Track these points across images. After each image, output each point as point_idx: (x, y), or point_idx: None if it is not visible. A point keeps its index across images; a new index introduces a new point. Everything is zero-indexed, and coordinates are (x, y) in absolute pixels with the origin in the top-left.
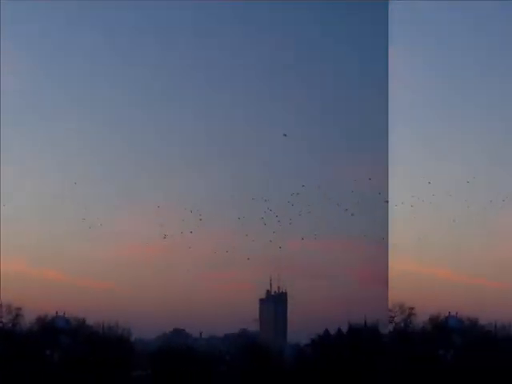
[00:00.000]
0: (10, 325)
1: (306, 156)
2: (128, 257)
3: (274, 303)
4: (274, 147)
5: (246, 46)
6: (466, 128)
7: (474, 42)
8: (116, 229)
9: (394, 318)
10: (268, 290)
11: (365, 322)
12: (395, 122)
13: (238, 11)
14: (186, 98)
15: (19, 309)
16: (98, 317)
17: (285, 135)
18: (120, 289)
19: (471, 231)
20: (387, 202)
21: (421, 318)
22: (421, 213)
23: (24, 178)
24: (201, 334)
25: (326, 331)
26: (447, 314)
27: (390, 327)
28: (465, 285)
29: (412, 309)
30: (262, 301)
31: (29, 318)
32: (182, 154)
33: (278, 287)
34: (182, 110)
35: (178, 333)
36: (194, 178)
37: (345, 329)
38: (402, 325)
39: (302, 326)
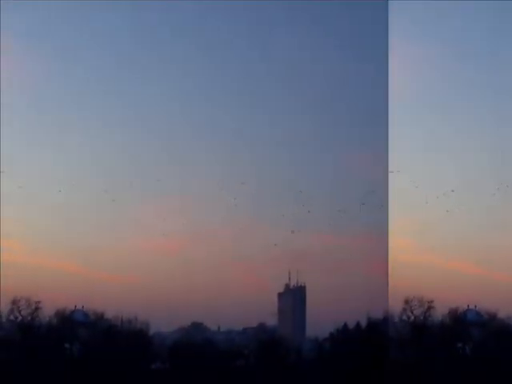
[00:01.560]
0: (29, 318)
1: (314, 151)
2: (146, 250)
3: (293, 297)
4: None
5: (249, 44)
6: (466, 127)
7: (474, 41)
8: (135, 221)
9: (412, 311)
10: (287, 284)
11: (383, 317)
12: (395, 122)
13: (239, 11)
14: (205, 91)
15: (38, 302)
16: (117, 310)
17: None
18: (138, 282)
19: (490, 224)
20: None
21: (440, 312)
22: (433, 204)
23: (42, 168)
24: (219, 327)
25: (345, 325)
26: (466, 308)
27: (410, 319)
28: (484, 278)
29: (431, 302)
30: (280, 294)
31: (48, 312)
32: (205, 145)
33: (297, 281)
34: (206, 104)
35: (197, 326)
36: (213, 171)
37: (364, 323)
38: (421, 318)
39: (320, 319)
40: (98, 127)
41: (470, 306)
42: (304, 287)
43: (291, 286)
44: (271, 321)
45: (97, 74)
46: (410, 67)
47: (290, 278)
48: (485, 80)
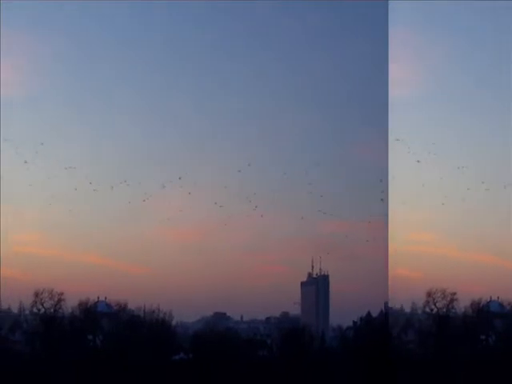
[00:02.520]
0: (52, 310)
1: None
2: (168, 240)
3: (316, 286)
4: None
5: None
6: (466, 126)
7: (474, 41)
8: (157, 212)
9: (435, 303)
10: (309, 273)
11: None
12: (395, 122)
13: (240, 10)
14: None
15: (61, 294)
16: (139, 301)
17: None
18: (160, 272)
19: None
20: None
21: (462, 303)
22: (450, 194)
23: (65, 160)
24: (242, 317)
25: (368, 314)
26: (489, 299)
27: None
28: (506, 269)
29: (454, 294)
30: (303, 283)
31: (70, 303)
32: (221, 135)
33: (320, 269)
34: (220, 97)
35: (219, 316)
36: (232, 162)
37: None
38: (445, 310)
39: (344, 308)
40: (116, 118)
41: (493, 298)
42: (327, 276)
43: (314, 275)
44: (294, 310)
45: (118, 72)
46: (410, 67)
47: (312, 267)
48: (485, 79)
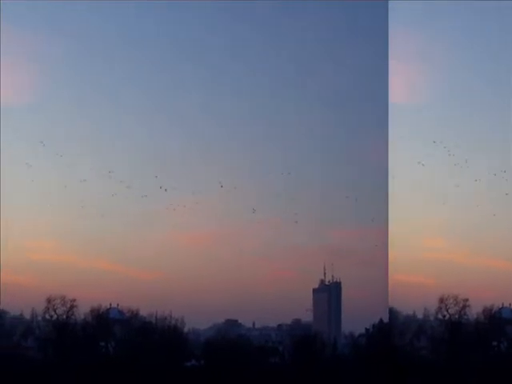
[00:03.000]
0: (65, 316)
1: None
2: (180, 247)
3: (328, 293)
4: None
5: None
6: (468, 124)
7: (473, 40)
8: (168, 219)
9: (448, 309)
10: (322, 280)
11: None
12: (396, 121)
13: (241, 10)
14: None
15: (74, 300)
16: (151, 307)
17: None
18: (172, 279)
19: None
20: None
21: (475, 310)
22: (460, 198)
23: (76, 168)
24: (254, 324)
25: (381, 320)
26: (501, 305)
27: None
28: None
29: (466, 300)
30: (315, 290)
31: (83, 309)
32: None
33: (332, 276)
34: (227, 105)
35: (231, 323)
36: (245, 169)
37: (400, 317)
38: (457, 316)
39: (356, 315)
40: (125, 123)
41: (505, 304)
42: (339, 283)
43: (326, 282)
44: (306, 317)
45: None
46: (410, 67)
47: (325, 274)
48: (486, 79)
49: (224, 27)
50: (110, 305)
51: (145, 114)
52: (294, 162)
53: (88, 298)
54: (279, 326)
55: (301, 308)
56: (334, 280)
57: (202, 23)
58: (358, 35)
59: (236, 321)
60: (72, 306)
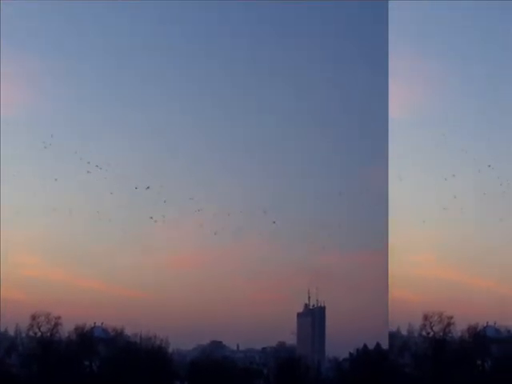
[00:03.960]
0: (49, 334)
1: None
2: (166, 266)
3: (312, 317)
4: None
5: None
6: (468, 124)
7: (474, 41)
8: (153, 238)
9: (432, 327)
10: (306, 304)
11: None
12: (395, 122)
13: (240, 10)
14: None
15: (58, 317)
16: (136, 327)
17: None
18: (157, 299)
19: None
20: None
21: (459, 327)
22: (450, 219)
23: (63, 186)
24: (238, 346)
25: (365, 346)
26: (485, 324)
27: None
28: (503, 294)
29: (451, 318)
30: (299, 314)
31: (67, 327)
32: (220, 163)
33: (317, 300)
34: (220, 120)
35: (216, 344)
36: (229, 189)
37: (384, 343)
38: (441, 334)
39: (340, 339)
40: (119, 141)
41: (490, 323)
42: (323, 307)
43: (310, 306)
44: (291, 340)
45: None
46: (410, 67)
47: (309, 298)
48: (485, 78)
49: (221, 29)
50: (95, 323)
51: (136, 134)
52: (287, 191)
53: (73, 316)
54: (264, 348)
55: (285, 331)
56: (319, 304)
57: (197, 25)
58: (358, 35)
59: (220, 342)
60: (56, 324)
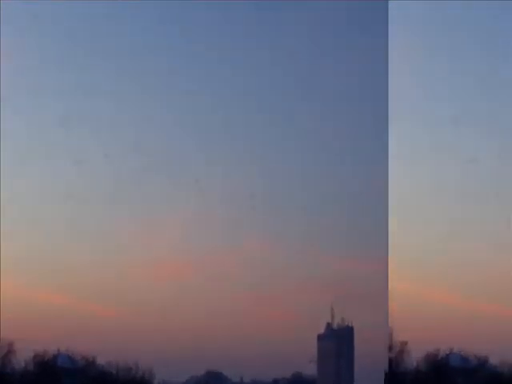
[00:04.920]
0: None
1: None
2: (149, 278)
3: (337, 339)
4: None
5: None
6: (469, 124)
7: (475, 40)
8: (135, 246)
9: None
10: (328, 323)
11: None
12: (395, 123)
13: (239, 10)
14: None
15: (11, 344)
16: (111, 354)
17: None
18: (140, 319)
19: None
20: None
21: (415, 355)
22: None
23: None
24: (242, 378)
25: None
26: (449, 351)
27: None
28: (472, 312)
29: (405, 344)
30: (320, 337)
31: (23, 356)
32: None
33: (343, 318)
34: (203, 127)
35: (213, 376)
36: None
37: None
38: (393, 364)
39: (372, 366)
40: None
41: (454, 350)
42: (352, 328)
43: (334, 326)
44: (309, 369)
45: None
46: (410, 68)
47: (332, 316)
48: (487, 77)
49: (218, 26)
50: (59, 350)
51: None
52: (292, 196)
53: (30, 341)
54: (275, 380)
55: (302, 358)
56: (345, 323)
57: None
58: (358, 36)
59: (220, 373)
60: (9, 351)
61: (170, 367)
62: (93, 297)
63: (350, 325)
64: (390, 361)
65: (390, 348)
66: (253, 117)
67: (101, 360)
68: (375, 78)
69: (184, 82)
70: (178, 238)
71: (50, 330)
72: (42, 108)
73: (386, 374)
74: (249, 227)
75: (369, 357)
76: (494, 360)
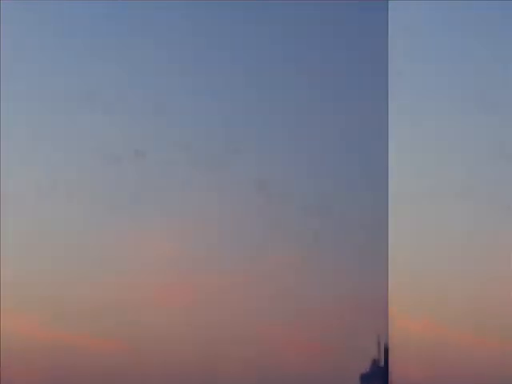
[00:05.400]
0: None
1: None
2: (154, 303)
3: (386, 380)
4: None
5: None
6: (470, 124)
7: (475, 41)
8: (137, 259)
9: None
10: (374, 360)
11: None
12: (395, 123)
13: (239, 10)
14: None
15: None
16: None
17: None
18: (141, 354)
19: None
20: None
21: None
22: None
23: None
24: None
25: None
26: None
27: None
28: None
29: None
30: (364, 376)
31: None
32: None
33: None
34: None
35: None
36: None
37: None
38: None
39: None
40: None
41: None
42: None
43: (381, 363)
44: None
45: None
46: (410, 68)
47: (379, 350)
48: (488, 79)
49: (218, 26)
50: None
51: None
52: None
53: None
54: None
55: None
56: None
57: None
58: (358, 36)
59: None
60: None
61: None
62: (84, 329)
63: None
64: None
65: None
66: (253, 117)
67: None
68: (375, 78)
69: (184, 81)
70: (186, 252)
71: (29, 367)
72: (42, 108)
73: None
74: (272, 242)
75: None
76: None
